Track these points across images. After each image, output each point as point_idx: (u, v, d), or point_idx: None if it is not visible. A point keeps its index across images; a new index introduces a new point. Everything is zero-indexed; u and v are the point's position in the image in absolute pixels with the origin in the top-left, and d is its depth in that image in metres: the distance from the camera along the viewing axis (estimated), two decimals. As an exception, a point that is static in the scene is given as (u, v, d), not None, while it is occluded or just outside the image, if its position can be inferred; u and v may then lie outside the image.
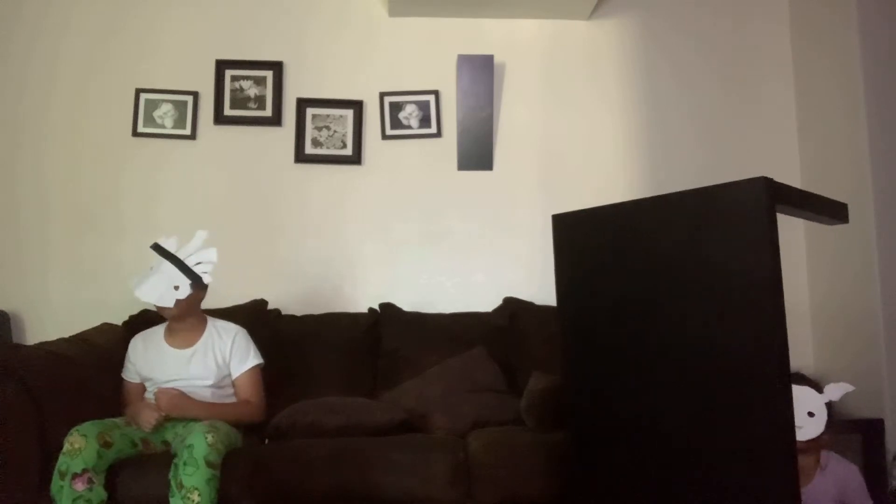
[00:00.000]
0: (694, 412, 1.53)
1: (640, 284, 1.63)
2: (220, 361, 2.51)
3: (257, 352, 2.58)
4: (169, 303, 2.41)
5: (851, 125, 3.07)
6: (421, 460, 2.20)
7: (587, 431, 1.69)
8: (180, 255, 2.45)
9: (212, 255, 2.46)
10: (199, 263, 2.46)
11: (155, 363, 2.49)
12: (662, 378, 1.57)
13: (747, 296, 1.49)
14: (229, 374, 2.53)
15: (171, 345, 2.52)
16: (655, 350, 1.59)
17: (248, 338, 2.59)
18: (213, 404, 2.42)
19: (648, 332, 1.60)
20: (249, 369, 2.54)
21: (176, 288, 2.40)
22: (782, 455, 1.41)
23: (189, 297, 2.43)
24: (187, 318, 2.50)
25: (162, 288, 2.40)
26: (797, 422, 1.84)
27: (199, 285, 2.45)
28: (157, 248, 2.46)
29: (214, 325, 2.57)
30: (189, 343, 2.52)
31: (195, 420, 2.29)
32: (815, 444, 1.95)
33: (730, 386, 1.49)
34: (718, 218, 1.56)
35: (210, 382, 2.47)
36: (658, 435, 1.57)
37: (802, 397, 1.91)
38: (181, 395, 2.35)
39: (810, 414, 1.91)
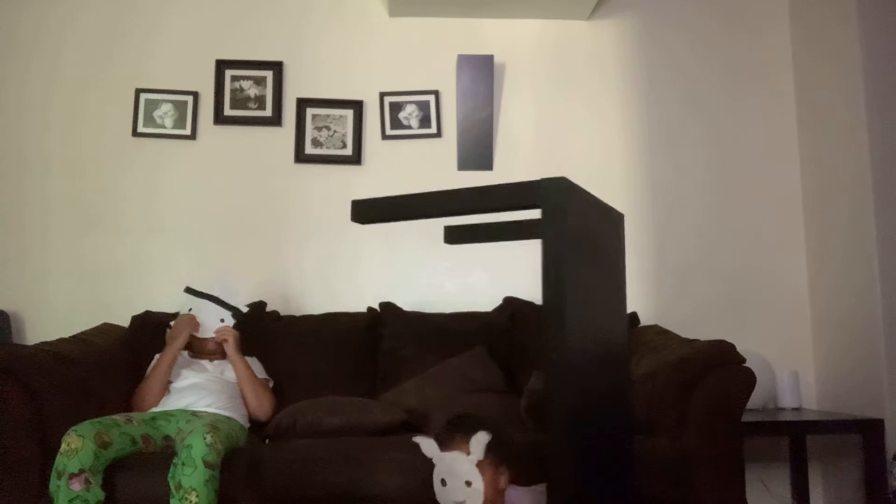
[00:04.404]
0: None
1: (590, 275, 1.49)
2: None
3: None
4: None
5: (851, 125, 3.07)
6: (421, 460, 2.20)
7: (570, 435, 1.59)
8: (213, 293, 2.75)
9: (237, 284, 2.80)
10: (229, 297, 2.76)
11: (185, 362, 2.71)
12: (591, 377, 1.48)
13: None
14: None
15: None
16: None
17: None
18: (248, 367, 2.67)
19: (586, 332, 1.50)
20: (265, 378, 2.77)
21: (222, 321, 2.70)
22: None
23: (234, 326, 2.71)
24: (218, 351, 2.73)
25: (211, 323, 2.69)
26: (458, 496, 1.72)
27: (238, 316, 2.73)
28: (191, 290, 2.75)
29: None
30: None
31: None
32: (498, 499, 1.78)
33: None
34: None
35: (233, 378, 2.68)
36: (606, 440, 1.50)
37: (455, 466, 1.74)
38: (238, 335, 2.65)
39: (468, 483, 1.74)
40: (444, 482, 1.76)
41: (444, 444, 1.84)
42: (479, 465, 1.77)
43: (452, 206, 1.26)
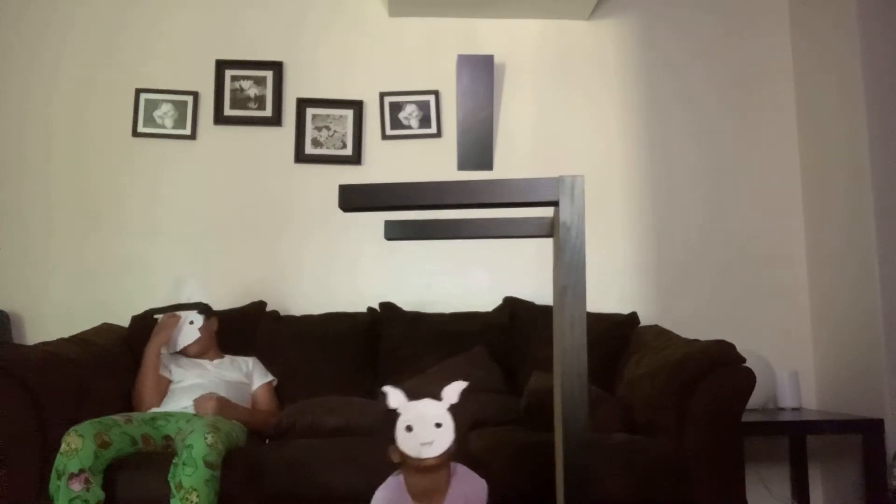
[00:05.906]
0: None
1: None
2: (245, 370, 2.77)
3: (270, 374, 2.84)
4: (195, 335, 2.71)
5: (851, 126, 3.07)
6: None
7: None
8: (173, 301, 2.80)
9: (192, 282, 2.85)
10: (189, 296, 2.81)
11: (186, 363, 2.71)
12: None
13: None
14: (249, 385, 2.74)
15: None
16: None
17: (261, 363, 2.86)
18: (252, 410, 2.64)
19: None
20: (267, 383, 2.78)
21: (191, 323, 2.72)
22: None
23: (206, 324, 2.74)
24: (209, 350, 2.76)
25: (183, 330, 2.71)
26: (426, 437, 1.75)
27: (204, 311, 2.75)
28: (154, 311, 2.79)
29: (233, 357, 2.82)
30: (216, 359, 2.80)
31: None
32: (447, 456, 1.79)
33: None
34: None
35: (234, 378, 2.69)
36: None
37: (426, 410, 1.79)
38: (221, 399, 2.48)
39: (438, 425, 1.78)
40: (409, 428, 1.78)
41: (412, 397, 1.85)
42: (450, 409, 1.81)
43: (463, 198, 1.23)
